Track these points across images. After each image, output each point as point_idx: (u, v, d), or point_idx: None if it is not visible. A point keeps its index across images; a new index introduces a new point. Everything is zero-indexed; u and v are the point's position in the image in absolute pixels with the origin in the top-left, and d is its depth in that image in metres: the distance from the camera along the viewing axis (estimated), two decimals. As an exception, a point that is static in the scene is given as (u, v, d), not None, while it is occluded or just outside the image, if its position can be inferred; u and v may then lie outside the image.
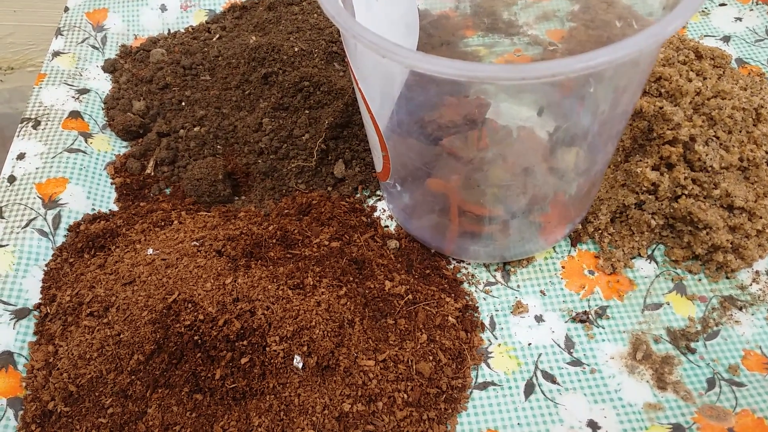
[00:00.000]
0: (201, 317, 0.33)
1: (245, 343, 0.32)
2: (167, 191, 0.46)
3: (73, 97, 0.49)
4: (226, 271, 0.35)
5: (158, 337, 0.33)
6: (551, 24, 0.56)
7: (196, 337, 0.33)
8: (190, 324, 0.33)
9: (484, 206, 0.38)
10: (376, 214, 0.44)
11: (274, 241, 0.38)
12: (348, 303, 0.34)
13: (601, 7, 0.54)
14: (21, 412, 0.34)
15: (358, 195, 0.45)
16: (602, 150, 0.34)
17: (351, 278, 0.36)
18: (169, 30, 0.56)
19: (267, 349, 0.32)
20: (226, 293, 0.34)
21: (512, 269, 0.40)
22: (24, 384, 0.35)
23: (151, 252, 0.38)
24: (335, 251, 0.38)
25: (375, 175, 0.43)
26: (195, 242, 0.38)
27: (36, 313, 0.38)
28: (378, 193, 0.45)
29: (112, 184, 0.45)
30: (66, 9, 0.56)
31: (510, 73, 0.24)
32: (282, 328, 0.33)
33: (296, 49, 0.47)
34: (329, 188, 0.46)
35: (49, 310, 0.38)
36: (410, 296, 0.37)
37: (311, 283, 0.35)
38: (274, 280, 0.35)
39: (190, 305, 0.34)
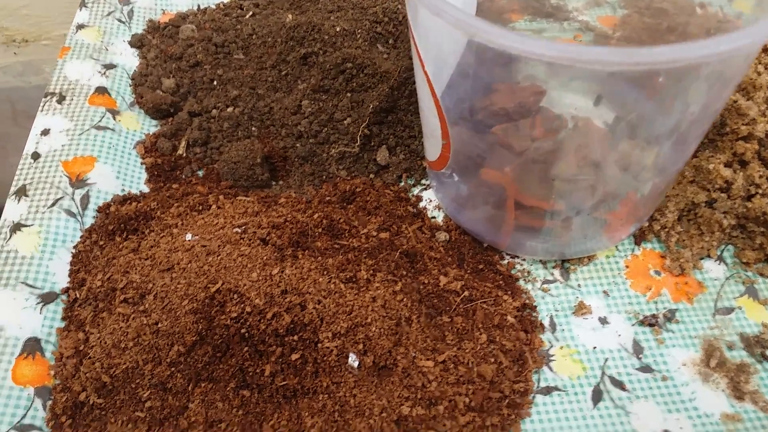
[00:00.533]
0: (248, 309, 0.31)
1: (296, 338, 0.30)
2: (200, 173, 0.43)
3: (99, 72, 0.46)
4: (272, 260, 0.33)
5: (200, 328, 0.31)
6: (602, 10, 0.54)
7: (243, 330, 0.30)
8: (236, 316, 0.31)
9: (544, 200, 0.36)
10: (422, 204, 0.42)
11: (320, 230, 0.36)
12: (404, 299, 0.32)
13: (655, -6, 0.51)
14: (50, 403, 0.32)
15: (402, 183, 0.43)
16: (687, 149, 0.32)
17: (404, 272, 0.34)
18: (198, 6, 0.54)
19: (319, 345, 0.30)
20: (274, 284, 0.32)
21: (571, 267, 0.38)
22: (52, 372, 0.33)
23: (189, 237, 0.35)
24: (385, 243, 0.36)
25: (426, 163, 0.41)
26: (237, 229, 0.35)
27: (64, 297, 0.35)
28: (423, 181, 0.43)
29: (142, 164, 0.43)
30: (90, -20, 0.53)
31: (623, 57, 0.22)
32: (335, 323, 0.30)
33: (338, 29, 0.45)
34: (371, 175, 0.43)
35: (78, 295, 0.35)
36: (466, 293, 0.34)
37: (365, 276, 0.32)
38: (325, 272, 0.32)
39: (235, 296, 0.31)
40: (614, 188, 0.36)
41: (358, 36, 0.45)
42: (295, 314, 0.31)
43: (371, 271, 0.33)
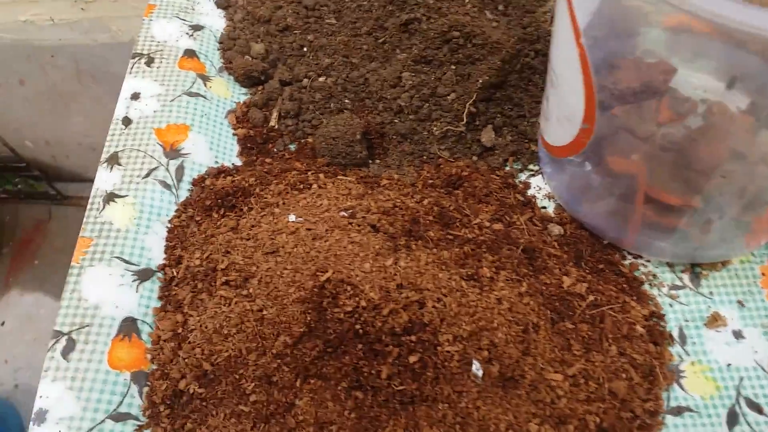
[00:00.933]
0: (363, 304, 0.28)
1: (414, 338, 0.28)
2: (292, 147, 0.41)
3: (186, 33, 0.44)
4: (384, 250, 0.31)
5: (309, 320, 0.29)
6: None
7: (357, 326, 0.28)
8: (351, 311, 0.28)
9: (683, 197, 0.32)
10: (529, 191, 0.38)
11: (431, 218, 0.33)
12: (530, 302, 0.29)
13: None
14: (146, 390, 0.30)
15: (509, 168, 0.40)
16: None
17: (526, 271, 0.31)
18: (286, -37, 0.50)
19: (439, 348, 0.28)
20: (389, 277, 0.29)
21: (702, 272, 0.34)
22: (149, 356, 0.32)
23: (293, 219, 0.33)
24: (500, 235, 0.33)
25: (541, 147, 0.37)
26: (343, 212, 0.33)
27: (160, 275, 0.34)
28: (531, 167, 0.39)
29: (234, 135, 0.40)
30: (173, -68, 0.50)
31: None
32: (456, 326, 0.28)
33: (445, -8, 0.41)
34: (474, 157, 0.40)
35: (175, 273, 0.34)
36: (592, 297, 0.31)
37: (488, 274, 0.29)
38: (444, 267, 0.30)
39: (348, 288, 0.29)
40: (765, 188, 0.31)
41: (466, 1, 0.41)
42: (413, 312, 0.28)
43: (494, 269, 0.30)
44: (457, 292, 0.29)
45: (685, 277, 0.35)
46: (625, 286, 0.34)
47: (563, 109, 0.31)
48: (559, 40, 0.29)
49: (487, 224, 0.33)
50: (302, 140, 0.41)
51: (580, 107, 0.29)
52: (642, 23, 0.31)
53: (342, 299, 0.29)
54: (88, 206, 0.35)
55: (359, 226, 0.32)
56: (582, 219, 0.36)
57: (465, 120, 0.39)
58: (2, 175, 1.05)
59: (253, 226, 0.33)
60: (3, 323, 0.98)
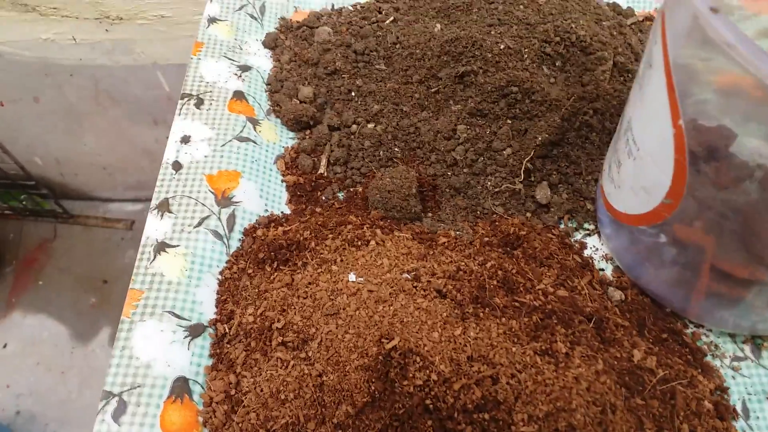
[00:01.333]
0: (434, 377, 0.27)
1: (487, 417, 0.27)
2: (340, 195, 0.40)
3: (235, 74, 0.43)
4: (452, 318, 0.30)
5: (373, 390, 0.28)
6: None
7: (428, 401, 0.27)
8: (422, 384, 0.27)
9: (747, 267, 0.32)
10: (586, 252, 0.38)
11: (495, 282, 0.32)
12: (607, 381, 0.28)
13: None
14: (199, 455, 0.29)
15: (563, 226, 0.39)
16: None
17: (597, 344, 0.30)
18: (333, 5, 0.50)
19: (513, 428, 0.27)
20: (459, 349, 0.28)
21: (764, 343, 0.34)
22: (201, 419, 0.30)
23: (353, 279, 0.32)
24: (567, 303, 0.32)
25: (612, 211, 0.36)
26: (406, 275, 0.32)
27: (211, 331, 0.33)
28: (586, 226, 0.39)
29: (283, 181, 0.39)
30: (219, -32, 0.50)
31: None
32: (532, 404, 0.27)
33: (502, 47, 0.41)
34: (528, 214, 0.39)
35: (227, 330, 0.33)
36: (661, 372, 0.30)
37: (563, 350, 0.28)
38: (516, 340, 0.29)
39: (417, 359, 0.28)
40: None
41: (525, 56, 0.40)
42: (487, 388, 0.27)
43: (569, 344, 0.29)
44: (532, 368, 0.28)
45: (747, 348, 0.34)
46: (689, 357, 0.33)
47: (641, 181, 0.30)
48: (648, 114, 0.29)
49: (551, 290, 0.33)
50: (351, 188, 0.40)
51: (666, 182, 0.28)
52: (694, 83, 0.31)
53: (411, 371, 0.28)
54: (138, 256, 0.34)
55: (425, 290, 0.31)
56: (644, 285, 0.35)
57: (522, 177, 0.39)
58: (9, 191, 1.03)
59: (310, 284, 0.32)
60: (5, 346, 0.95)
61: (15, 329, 0.97)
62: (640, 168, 0.30)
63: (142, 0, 0.74)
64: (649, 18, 0.48)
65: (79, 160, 1.01)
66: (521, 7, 0.42)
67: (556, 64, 0.41)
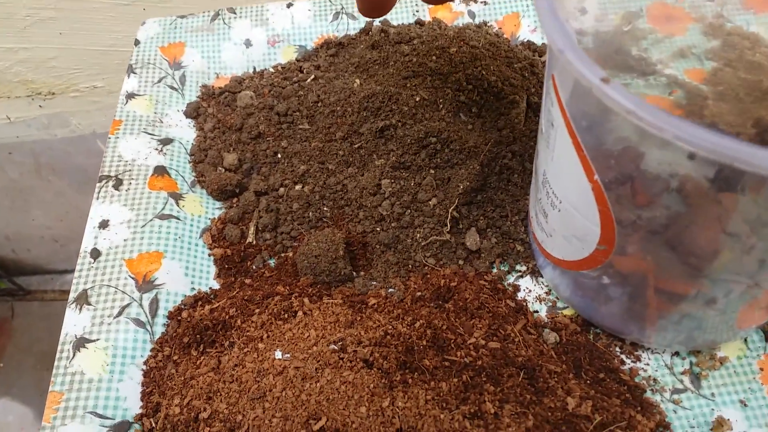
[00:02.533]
0: (362, 457, 0.27)
1: (420, 491, 0.26)
2: (271, 262, 0.39)
3: (156, 149, 0.43)
4: (380, 389, 0.29)
5: (304, 477, 0.27)
6: (689, 62, 0.50)
7: (357, 484, 0.26)
8: (350, 466, 0.26)
9: (688, 282, 0.31)
10: (519, 295, 0.38)
11: (425, 342, 0.32)
12: (540, 437, 0.28)
13: (744, 46, 0.47)
14: None
15: (495, 270, 0.39)
16: None
17: (529, 397, 0.30)
18: (254, 68, 0.50)
19: (448, 500, 0.26)
20: (386, 422, 0.28)
21: (702, 372, 0.34)
22: None
23: (279, 356, 0.31)
24: (498, 356, 0.32)
25: (550, 258, 0.36)
26: (333, 345, 0.31)
27: (137, 426, 0.31)
28: (518, 268, 0.39)
29: (210, 255, 0.39)
30: (137, 42, 0.50)
31: None
32: (465, 472, 0.26)
33: (417, 99, 0.41)
34: (460, 261, 0.39)
35: (153, 425, 0.31)
36: (598, 417, 0.30)
37: (491, 410, 0.28)
38: (444, 405, 0.28)
39: (345, 438, 0.27)
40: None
41: (441, 106, 0.41)
42: (417, 461, 0.27)
43: (497, 402, 0.28)
44: (461, 434, 0.27)
45: (686, 379, 0.34)
46: (628, 396, 0.32)
47: (571, 230, 0.31)
48: (561, 170, 0.29)
49: (483, 342, 0.32)
50: (282, 254, 0.40)
51: (596, 231, 0.29)
52: (610, 112, 0.32)
53: (340, 452, 0.27)
54: (57, 355, 0.32)
55: (351, 361, 0.30)
56: (598, 323, 0.35)
57: (449, 226, 0.39)
58: (-41, 274, 1.00)
59: (236, 366, 0.31)
60: (-37, 438, 0.90)
61: (-26, 418, 0.93)
62: (566, 219, 0.30)
63: (72, 73, 0.74)
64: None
65: (29, 234, 0.99)
66: (434, 58, 0.43)
67: (472, 111, 0.41)
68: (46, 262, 1.05)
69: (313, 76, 0.47)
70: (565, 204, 0.31)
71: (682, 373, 0.34)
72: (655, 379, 0.34)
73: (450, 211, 0.39)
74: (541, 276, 0.39)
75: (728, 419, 0.32)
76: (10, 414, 0.96)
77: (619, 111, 0.23)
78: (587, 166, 0.28)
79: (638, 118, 0.23)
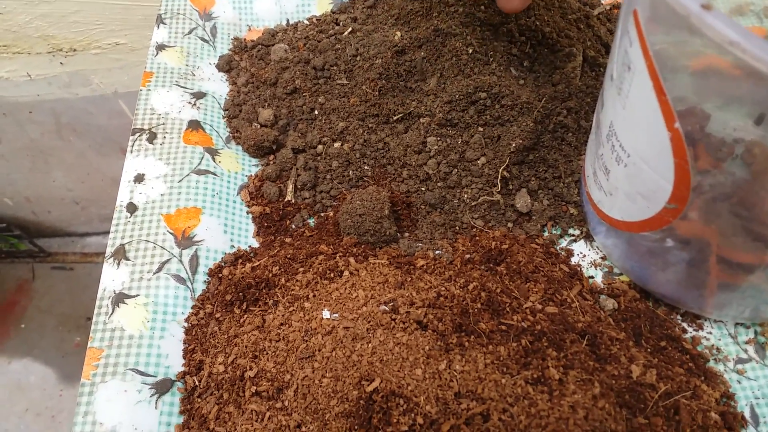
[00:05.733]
0: (420, 420, 0.25)
1: (481, 457, 0.25)
2: (311, 221, 0.38)
3: (189, 102, 0.41)
4: (435, 351, 0.27)
5: (357, 439, 0.26)
6: (747, 20, 0.47)
7: (416, 448, 0.25)
8: (407, 429, 0.25)
9: (753, 252, 0.30)
10: (573, 260, 0.36)
11: (479, 305, 0.30)
12: (606, 405, 0.26)
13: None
14: None
15: (547, 234, 0.37)
16: None
17: (592, 364, 0.28)
18: (288, 20, 0.47)
19: (510, 466, 0.25)
20: (444, 385, 0.26)
21: (767, 342, 0.32)
22: (175, 484, 0.28)
23: (327, 316, 0.30)
24: (557, 321, 0.30)
25: (606, 218, 0.34)
26: (384, 306, 0.30)
27: (180, 385, 0.30)
28: (571, 232, 0.37)
29: (248, 213, 0.37)
30: (166, -9, 0.47)
31: None
32: (528, 439, 0.25)
33: (465, 52, 0.39)
34: (510, 224, 0.37)
35: (197, 382, 0.30)
36: (663, 386, 0.28)
37: (556, 376, 0.26)
38: (505, 369, 0.27)
39: (401, 401, 0.26)
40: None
41: (492, 60, 0.38)
42: (477, 427, 0.25)
43: (561, 369, 0.27)
44: (524, 400, 0.26)
45: (750, 348, 0.32)
46: (691, 365, 0.31)
47: (638, 187, 0.29)
48: (635, 120, 0.27)
49: (540, 307, 0.31)
50: (322, 214, 0.38)
51: (667, 188, 0.26)
52: (669, 69, 0.30)
53: (395, 415, 0.26)
54: (95, 311, 0.31)
55: (404, 323, 0.29)
56: (653, 290, 0.33)
57: (499, 187, 0.37)
58: (-19, 235, 1.00)
59: (282, 324, 0.30)
60: (-11, 396, 0.92)
61: (1, 376, 0.94)
62: (634, 175, 0.28)
63: (94, 29, 0.71)
64: (617, 6, 0.46)
65: (50, 196, 0.98)
66: (482, 7, 0.40)
67: (524, 64, 0.39)
68: (66, 225, 1.05)
69: (350, 29, 0.45)
70: (633, 157, 0.29)
71: (747, 343, 0.32)
72: (718, 348, 0.32)
73: (500, 170, 0.37)
74: (595, 241, 0.37)
75: (796, 391, 0.31)
76: (32, 375, 0.97)
77: (720, 42, 0.21)
78: (668, 112, 0.25)
79: (742, 50, 0.20)
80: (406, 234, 0.37)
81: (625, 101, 0.27)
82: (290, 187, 0.39)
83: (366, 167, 0.40)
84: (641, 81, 0.25)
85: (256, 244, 0.36)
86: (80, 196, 0.98)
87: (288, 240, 0.36)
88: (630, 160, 0.28)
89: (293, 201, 0.38)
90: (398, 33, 0.42)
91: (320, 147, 0.40)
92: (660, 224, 0.29)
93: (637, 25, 0.25)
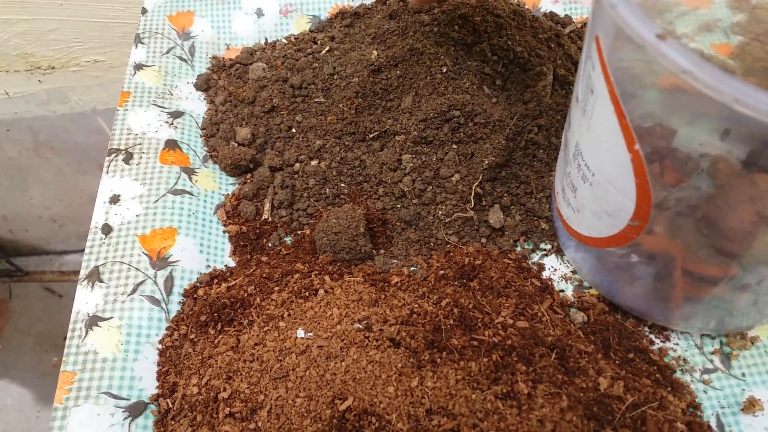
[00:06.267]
0: (393, 438, 0.26)
1: (452, 473, 0.25)
2: (288, 240, 0.38)
3: (166, 122, 0.41)
4: (408, 368, 0.28)
5: (331, 458, 0.26)
6: (715, 36, 0.48)
7: (388, 466, 0.25)
8: (380, 447, 0.25)
9: (718, 265, 0.31)
10: (544, 274, 0.37)
11: (452, 321, 0.31)
12: (574, 418, 0.27)
13: (769, 20, 0.46)
14: None
15: (519, 249, 0.38)
16: None
17: (560, 377, 0.29)
18: (266, 39, 0.48)
19: (482, 482, 0.25)
20: (416, 402, 0.27)
21: (733, 352, 0.33)
22: (149, 507, 0.28)
23: (302, 335, 0.30)
24: (528, 335, 0.30)
25: (575, 235, 0.35)
26: (358, 324, 0.30)
27: (153, 407, 0.30)
28: (542, 246, 0.38)
29: (225, 232, 0.37)
30: (144, 11, 0.48)
31: None
32: (499, 454, 0.25)
33: (444, 71, 0.39)
34: (483, 239, 0.38)
35: (170, 405, 0.30)
36: (630, 397, 0.29)
37: (524, 390, 0.27)
38: (476, 385, 0.27)
39: (373, 419, 0.26)
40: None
41: (465, 78, 0.39)
42: (449, 443, 0.26)
43: (530, 383, 0.27)
44: (494, 414, 0.26)
45: (716, 359, 0.33)
46: (658, 376, 0.32)
47: (603, 206, 0.29)
48: (598, 140, 0.28)
49: (511, 322, 0.31)
50: (299, 232, 0.38)
51: (630, 206, 0.27)
52: (637, 86, 0.31)
53: (369, 433, 0.26)
54: (69, 334, 0.31)
55: (377, 340, 0.29)
56: (621, 303, 0.34)
57: (473, 203, 0.37)
58: (-44, 254, 0.98)
59: (256, 344, 0.30)
60: (-37, 420, 0.89)
61: (-26, 400, 0.92)
62: (599, 193, 0.29)
63: (72, 46, 0.71)
64: (587, 24, 0.48)
65: (27, 214, 0.97)
66: (456, 27, 0.41)
67: (497, 83, 0.40)
68: (44, 243, 1.03)
69: (328, 48, 0.45)
70: (598, 177, 0.30)
71: (713, 353, 0.33)
72: (684, 359, 0.33)
73: (473, 187, 0.37)
74: (566, 255, 0.37)
75: (759, 399, 0.31)
76: (8, 396, 0.95)
77: (674, 71, 0.22)
78: (628, 135, 0.26)
79: (695, 79, 0.21)
80: (382, 251, 0.38)
81: (589, 122, 0.28)
82: (267, 206, 0.39)
83: (343, 185, 0.40)
84: (603, 104, 0.26)
85: (232, 264, 0.36)
86: (58, 214, 0.97)
87: (264, 259, 0.36)
88: (595, 179, 0.29)
89: (270, 219, 0.39)
90: (375, 52, 0.43)
91: (297, 165, 0.41)
92: (625, 240, 0.29)
93: (599, 51, 0.26)
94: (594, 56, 0.26)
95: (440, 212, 0.38)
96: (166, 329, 0.32)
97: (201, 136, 0.42)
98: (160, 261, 0.34)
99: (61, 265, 1.04)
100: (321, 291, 0.33)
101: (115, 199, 0.36)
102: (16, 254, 1.04)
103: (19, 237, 1.01)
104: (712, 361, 0.33)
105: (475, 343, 0.30)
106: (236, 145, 0.41)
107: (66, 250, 1.04)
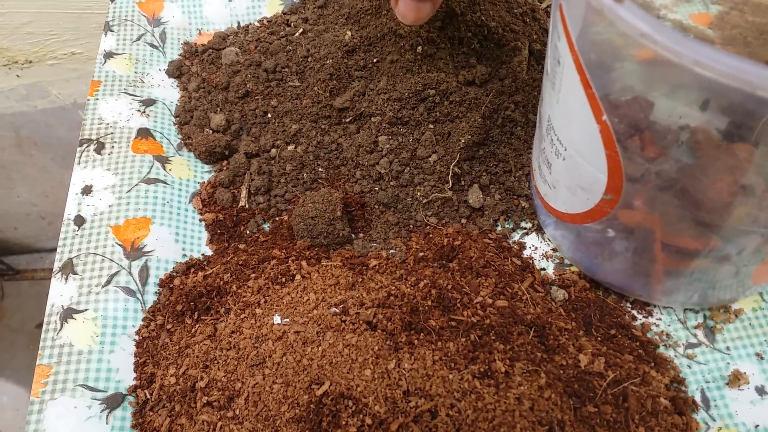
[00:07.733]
0: (369, 421, 0.25)
1: (430, 454, 0.25)
2: (266, 226, 0.37)
3: (138, 110, 0.40)
4: (385, 351, 0.28)
5: (308, 443, 0.26)
6: (694, 6, 0.47)
7: (365, 449, 0.25)
8: (356, 431, 0.25)
9: (698, 238, 0.30)
10: (525, 253, 0.36)
11: (430, 302, 0.30)
12: (552, 395, 0.26)
13: (750, -12, 0.45)
14: None
15: (500, 228, 0.37)
16: None
17: (540, 355, 0.28)
18: (239, 23, 0.47)
19: (459, 462, 0.25)
20: (393, 384, 0.26)
21: (716, 326, 0.33)
22: (129, 499, 0.28)
23: (278, 321, 0.30)
24: (506, 314, 0.30)
25: (552, 212, 0.34)
26: (334, 308, 0.30)
27: (131, 399, 0.30)
28: (523, 225, 0.37)
29: (201, 221, 0.37)
30: (113, -1, 0.47)
31: None
32: (476, 433, 0.25)
33: (419, 50, 0.39)
34: (463, 220, 0.37)
35: (148, 395, 0.30)
36: (611, 374, 0.29)
37: (502, 369, 0.27)
38: (453, 366, 0.27)
39: (350, 402, 0.26)
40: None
41: (438, 58, 0.39)
42: (425, 424, 0.25)
43: (508, 361, 0.27)
44: (471, 394, 0.26)
45: (700, 333, 0.33)
46: (640, 351, 0.31)
47: (576, 180, 0.29)
48: (567, 113, 0.27)
49: (490, 301, 0.31)
50: (276, 218, 0.38)
51: (602, 179, 0.27)
52: (616, 58, 0.30)
53: (344, 417, 0.26)
54: (44, 327, 0.31)
55: (353, 324, 0.29)
56: (602, 280, 0.34)
57: (451, 183, 0.37)
58: (-55, 254, 0.98)
59: (233, 332, 0.30)
60: (-41, 418, 0.89)
61: (-31, 399, 0.92)
62: (571, 168, 0.29)
63: (48, 39, 0.70)
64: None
65: (15, 212, 0.96)
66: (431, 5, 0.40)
67: (471, 61, 0.39)
68: (34, 240, 1.03)
69: (301, 30, 0.45)
70: (570, 151, 0.30)
71: (696, 327, 0.33)
72: (668, 334, 0.33)
73: (451, 167, 0.37)
74: (545, 233, 0.37)
75: (744, 373, 0.31)
76: (4, 395, 0.95)
77: (632, 34, 0.21)
78: (595, 105, 0.26)
79: (654, 42, 0.21)
80: (361, 235, 0.37)
81: (558, 95, 0.28)
82: (244, 193, 0.39)
83: (320, 169, 0.39)
84: (570, 75, 0.26)
85: (209, 252, 0.36)
86: (46, 211, 0.96)
87: (242, 246, 0.36)
88: (567, 153, 0.29)
89: (247, 206, 0.38)
90: (349, 32, 0.42)
91: (274, 150, 0.40)
92: (600, 215, 0.29)
93: (563, 20, 0.25)
94: (559, 26, 0.26)
95: (418, 193, 0.37)
96: (143, 320, 0.32)
97: (174, 124, 0.41)
98: (134, 251, 0.34)
99: (52, 263, 1.04)
100: (298, 276, 0.32)
101: (87, 190, 0.36)
102: (7, 253, 1.03)
103: (9, 235, 1.00)
104: (695, 336, 0.33)
105: (453, 323, 0.29)
106: (211, 132, 0.41)
107: (56, 247, 1.04)
